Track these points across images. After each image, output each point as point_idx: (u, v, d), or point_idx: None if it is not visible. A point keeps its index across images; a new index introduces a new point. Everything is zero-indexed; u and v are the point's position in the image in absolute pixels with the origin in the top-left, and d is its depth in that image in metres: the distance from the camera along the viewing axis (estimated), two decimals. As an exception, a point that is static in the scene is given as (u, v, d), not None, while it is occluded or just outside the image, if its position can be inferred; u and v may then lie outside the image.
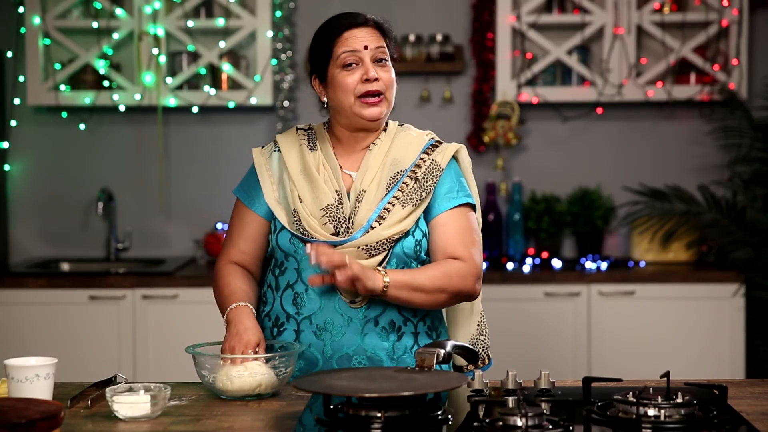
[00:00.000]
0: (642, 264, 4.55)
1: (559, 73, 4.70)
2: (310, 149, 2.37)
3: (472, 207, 2.38)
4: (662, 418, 1.78)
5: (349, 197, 2.32)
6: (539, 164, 4.81)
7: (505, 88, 4.60)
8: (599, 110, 4.74)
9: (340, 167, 2.36)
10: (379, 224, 2.27)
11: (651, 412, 1.79)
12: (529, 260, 4.55)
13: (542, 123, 4.79)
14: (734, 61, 4.54)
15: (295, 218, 2.30)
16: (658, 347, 4.29)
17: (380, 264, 2.27)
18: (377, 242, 2.26)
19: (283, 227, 2.32)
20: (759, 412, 1.94)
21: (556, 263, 4.50)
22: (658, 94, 4.57)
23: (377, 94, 2.30)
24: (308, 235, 2.27)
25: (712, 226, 4.54)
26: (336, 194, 2.30)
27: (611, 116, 4.78)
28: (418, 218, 2.31)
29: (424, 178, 2.32)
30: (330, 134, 2.41)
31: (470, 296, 2.34)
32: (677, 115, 4.76)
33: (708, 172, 4.76)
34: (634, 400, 1.81)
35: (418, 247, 2.31)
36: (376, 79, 2.29)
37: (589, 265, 4.47)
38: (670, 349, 4.28)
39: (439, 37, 4.68)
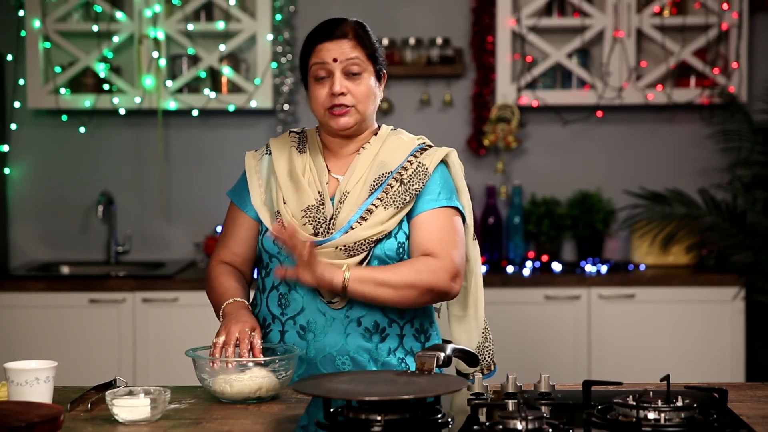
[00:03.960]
0: (642, 267, 4.55)
1: (559, 77, 4.70)
2: (299, 152, 2.38)
3: (458, 211, 2.35)
4: (662, 421, 1.78)
5: (333, 199, 2.32)
6: (539, 167, 4.80)
7: (505, 91, 4.60)
8: (599, 113, 4.74)
9: (329, 171, 2.37)
10: (360, 225, 2.27)
11: (651, 415, 1.79)
12: (529, 263, 4.55)
13: (542, 126, 4.79)
14: (734, 65, 4.55)
15: (278, 219, 2.31)
16: (658, 350, 4.28)
17: (360, 264, 2.27)
18: (356, 242, 2.25)
19: (268, 229, 2.33)
20: (759, 415, 1.94)
21: (556, 266, 4.50)
22: (658, 97, 4.57)
23: (344, 106, 2.30)
24: None
25: (712, 230, 4.54)
26: (318, 195, 2.31)
27: (611, 119, 4.78)
28: (402, 221, 2.30)
29: (410, 181, 2.31)
30: (320, 138, 2.42)
31: (446, 293, 2.28)
32: (677, 119, 4.76)
33: (708, 175, 4.76)
34: (635, 403, 1.81)
35: (400, 250, 2.30)
36: (342, 93, 2.29)
37: (589, 268, 4.47)
38: (670, 352, 4.28)
39: (439, 41, 4.68)
